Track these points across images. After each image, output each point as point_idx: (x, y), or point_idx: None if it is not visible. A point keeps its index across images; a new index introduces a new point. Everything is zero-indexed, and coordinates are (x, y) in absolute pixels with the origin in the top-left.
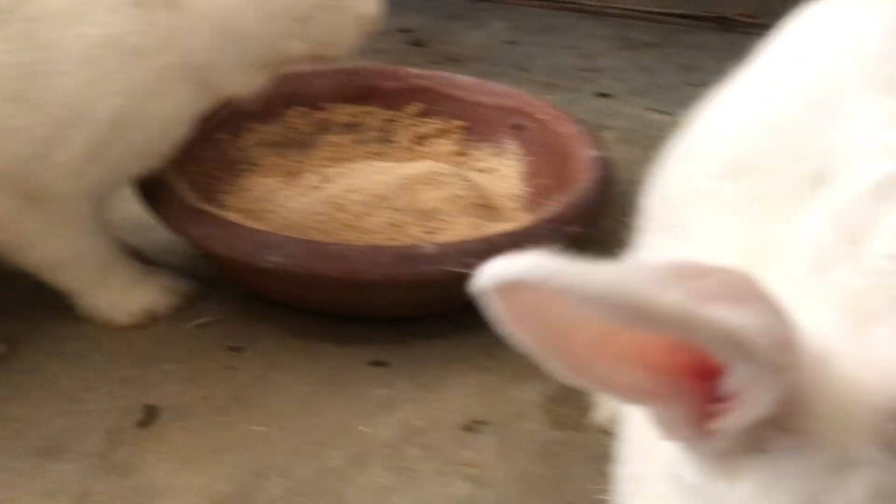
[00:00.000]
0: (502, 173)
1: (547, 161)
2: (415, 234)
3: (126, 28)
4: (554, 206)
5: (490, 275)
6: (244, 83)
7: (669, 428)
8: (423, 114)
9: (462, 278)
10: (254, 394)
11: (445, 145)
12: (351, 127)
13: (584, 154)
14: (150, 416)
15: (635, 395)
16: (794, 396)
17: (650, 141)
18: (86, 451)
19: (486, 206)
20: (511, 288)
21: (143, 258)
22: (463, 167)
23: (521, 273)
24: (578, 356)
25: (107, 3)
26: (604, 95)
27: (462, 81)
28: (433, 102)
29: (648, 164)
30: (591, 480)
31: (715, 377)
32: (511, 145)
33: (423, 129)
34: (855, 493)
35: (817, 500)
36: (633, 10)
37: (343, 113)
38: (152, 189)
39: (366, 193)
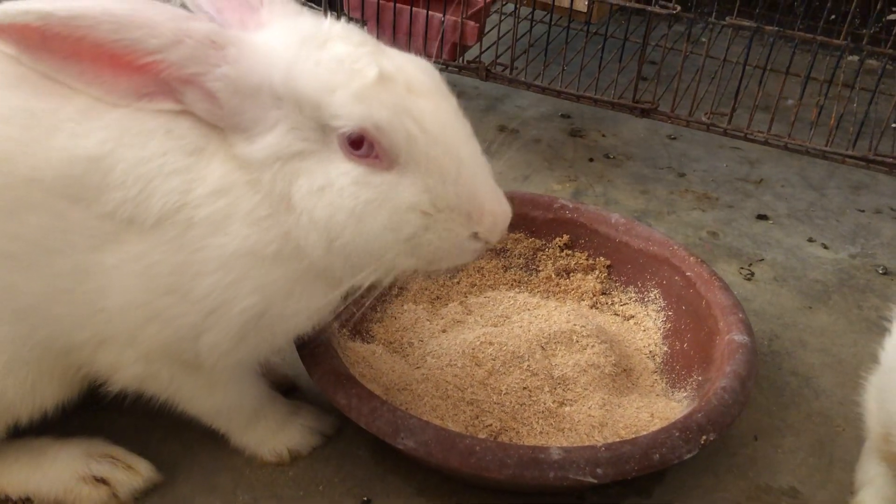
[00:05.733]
0: (643, 324)
1: (690, 324)
2: (545, 402)
3: (260, 239)
4: (686, 412)
5: None
6: (376, 278)
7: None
8: (570, 246)
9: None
10: None
11: (589, 282)
12: (498, 253)
13: (731, 337)
14: None
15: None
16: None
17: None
18: None
19: (622, 372)
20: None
21: (292, 384)
22: (604, 310)
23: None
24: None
25: (245, 216)
26: (763, 218)
27: (612, 219)
28: (581, 236)
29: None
30: None
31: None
32: (655, 294)
33: (568, 262)
34: None
35: None
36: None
37: None
38: (307, 345)
39: (502, 349)
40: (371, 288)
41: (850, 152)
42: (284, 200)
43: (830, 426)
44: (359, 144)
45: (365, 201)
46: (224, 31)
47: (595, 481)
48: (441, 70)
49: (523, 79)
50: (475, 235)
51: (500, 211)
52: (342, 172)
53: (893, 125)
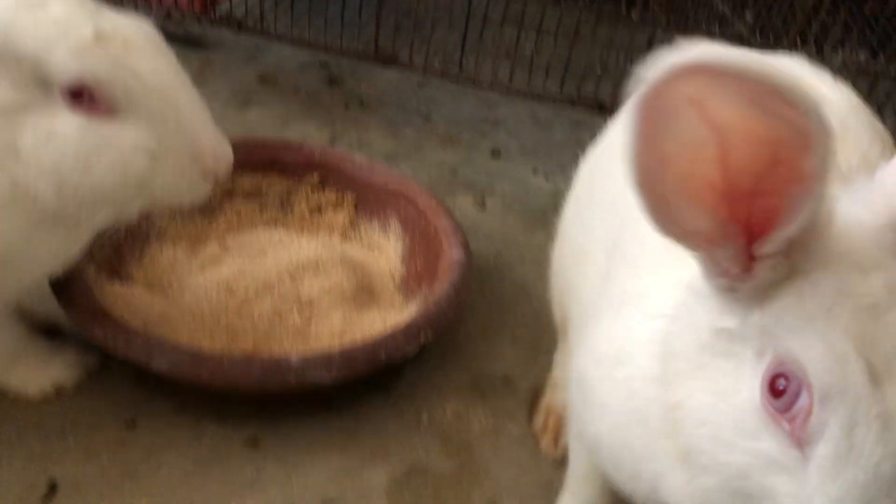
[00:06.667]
0: (385, 250)
1: (422, 247)
2: (294, 322)
3: None
4: (409, 321)
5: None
6: (113, 220)
7: (718, 268)
8: (320, 186)
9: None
10: (143, 469)
11: (338, 217)
12: (254, 195)
13: (452, 254)
14: (52, 490)
15: (693, 235)
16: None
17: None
18: None
19: (363, 291)
20: (682, 75)
21: (54, 326)
22: (352, 240)
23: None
24: (665, 188)
25: None
26: (496, 154)
27: (356, 160)
28: (329, 176)
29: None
30: None
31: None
32: (395, 225)
33: (319, 200)
34: (875, 286)
35: (844, 293)
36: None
37: (247, 181)
38: (63, 286)
39: (255, 279)
40: (121, 229)
41: (559, 94)
42: (13, 150)
43: (539, 325)
44: (79, 96)
45: (89, 147)
46: None
47: (331, 380)
48: (197, 23)
49: (274, 30)
50: (202, 174)
51: (221, 151)
52: (65, 122)
53: (599, 74)
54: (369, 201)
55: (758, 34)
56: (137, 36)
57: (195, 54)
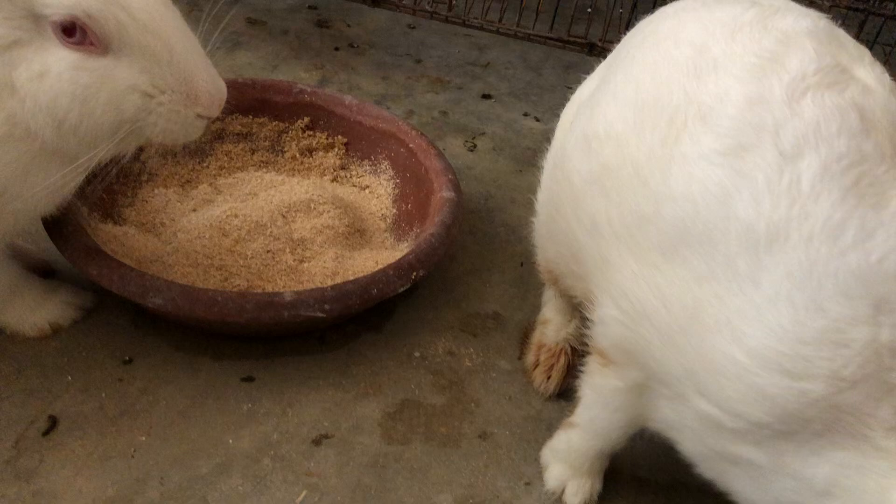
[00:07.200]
0: (376, 191)
1: (413, 188)
2: (286, 261)
3: None
4: (401, 258)
5: None
6: (110, 156)
7: None
8: (311, 127)
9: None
10: (140, 405)
11: (329, 159)
12: (244, 136)
13: (443, 194)
14: (51, 425)
15: None
16: None
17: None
18: None
19: (355, 231)
20: None
21: (50, 268)
22: (343, 182)
23: None
24: None
25: None
26: (487, 97)
27: (346, 101)
28: (320, 118)
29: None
30: (409, 493)
31: None
32: (386, 165)
33: (309, 142)
34: None
35: None
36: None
37: (237, 123)
38: (57, 226)
39: (247, 220)
40: (114, 167)
41: (549, 34)
42: (8, 87)
43: (528, 264)
44: (72, 32)
45: (84, 84)
46: None
47: (324, 315)
48: None
49: None
50: (196, 113)
51: (214, 88)
52: (58, 59)
53: (589, 10)
54: (360, 143)
55: None
56: None
57: None
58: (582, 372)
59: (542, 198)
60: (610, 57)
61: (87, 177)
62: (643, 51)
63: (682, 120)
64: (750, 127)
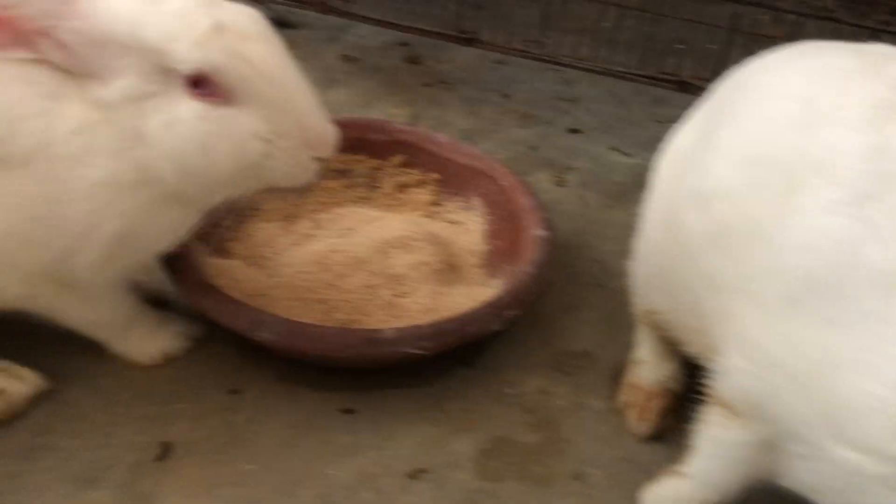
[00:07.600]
0: (468, 227)
1: (505, 225)
2: (384, 296)
3: (119, 169)
4: (496, 294)
5: None
6: (226, 199)
7: None
8: (405, 164)
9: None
10: (247, 435)
11: (422, 195)
12: (342, 173)
13: (533, 233)
14: (165, 451)
15: None
16: None
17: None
18: (114, 481)
19: (448, 268)
20: None
21: (164, 299)
22: (436, 217)
23: None
24: None
25: (104, 150)
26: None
27: (439, 139)
28: (414, 155)
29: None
30: None
31: None
32: (477, 203)
33: (404, 179)
34: None
35: None
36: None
37: (336, 160)
38: (172, 261)
39: (347, 255)
40: (227, 208)
41: (640, 72)
42: (139, 135)
43: (620, 301)
44: (199, 84)
45: (208, 132)
46: None
47: (423, 353)
48: (282, 5)
49: (359, 11)
50: (312, 156)
51: (328, 133)
52: (186, 109)
53: (680, 45)
54: (452, 180)
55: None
56: (250, 26)
57: (281, 35)
58: (698, 421)
59: (646, 249)
60: (707, 105)
61: (205, 216)
62: (747, 106)
63: (798, 174)
64: (872, 176)
